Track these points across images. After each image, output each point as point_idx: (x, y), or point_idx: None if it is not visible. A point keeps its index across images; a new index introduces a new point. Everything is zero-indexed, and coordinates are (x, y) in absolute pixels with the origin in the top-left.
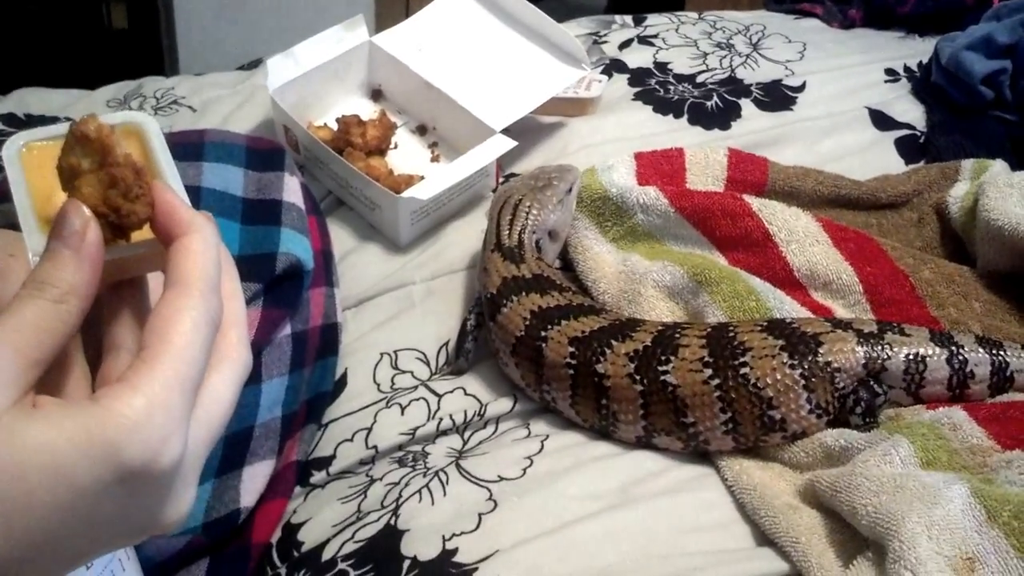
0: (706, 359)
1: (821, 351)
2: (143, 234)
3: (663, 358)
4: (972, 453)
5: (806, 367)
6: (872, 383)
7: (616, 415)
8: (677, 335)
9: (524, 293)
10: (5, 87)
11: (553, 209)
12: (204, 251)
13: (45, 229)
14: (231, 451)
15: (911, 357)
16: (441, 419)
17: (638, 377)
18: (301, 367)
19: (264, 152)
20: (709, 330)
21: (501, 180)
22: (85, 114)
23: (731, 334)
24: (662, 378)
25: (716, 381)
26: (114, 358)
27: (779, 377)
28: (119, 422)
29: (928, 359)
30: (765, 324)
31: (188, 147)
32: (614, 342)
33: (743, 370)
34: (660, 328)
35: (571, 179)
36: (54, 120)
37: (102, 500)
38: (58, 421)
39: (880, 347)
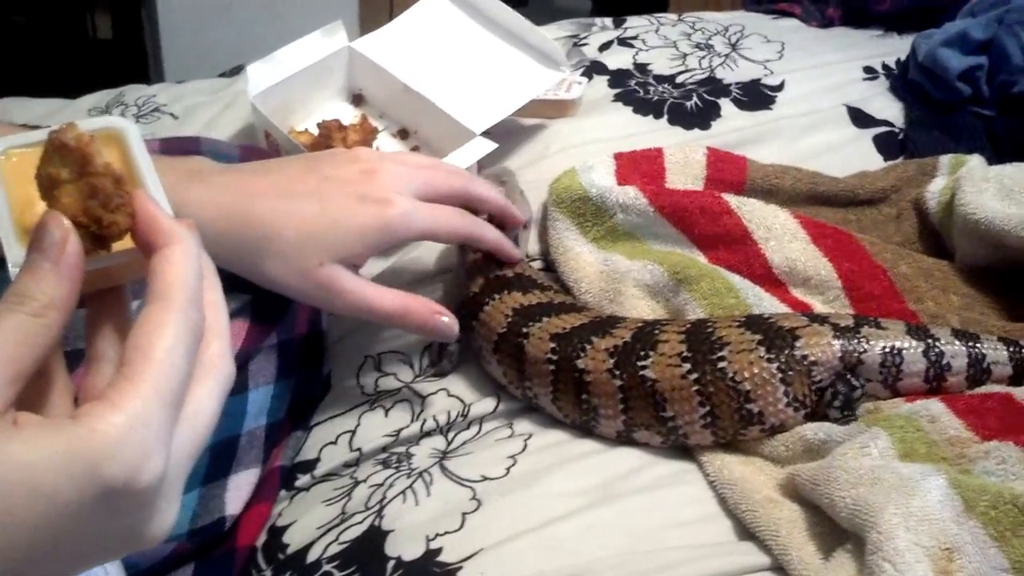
0: (684, 354)
1: (798, 345)
2: (124, 243)
3: (642, 353)
4: (950, 444)
5: (783, 361)
6: (849, 376)
7: (597, 410)
8: (656, 331)
9: (506, 291)
10: None
11: (521, 202)
12: (185, 262)
13: (24, 240)
14: (217, 460)
15: (887, 350)
16: (425, 420)
17: (618, 372)
18: (287, 375)
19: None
20: (688, 326)
21: None
22: (64, 122)
23: (709, 329)
24: (641, 373)
25: (694, 375)
26: (96, 370)
27: (756, 371)
28: (99, 440)
29: (904, 352)
30: (743, 320)
31: (182, 156)
32: (594, 338)
33: (721, 364)
34: (640, 324)
35: (514, 175)
36: (37, 129)
37: (83, 518)
38: (38, 439)
39: (856, 340)
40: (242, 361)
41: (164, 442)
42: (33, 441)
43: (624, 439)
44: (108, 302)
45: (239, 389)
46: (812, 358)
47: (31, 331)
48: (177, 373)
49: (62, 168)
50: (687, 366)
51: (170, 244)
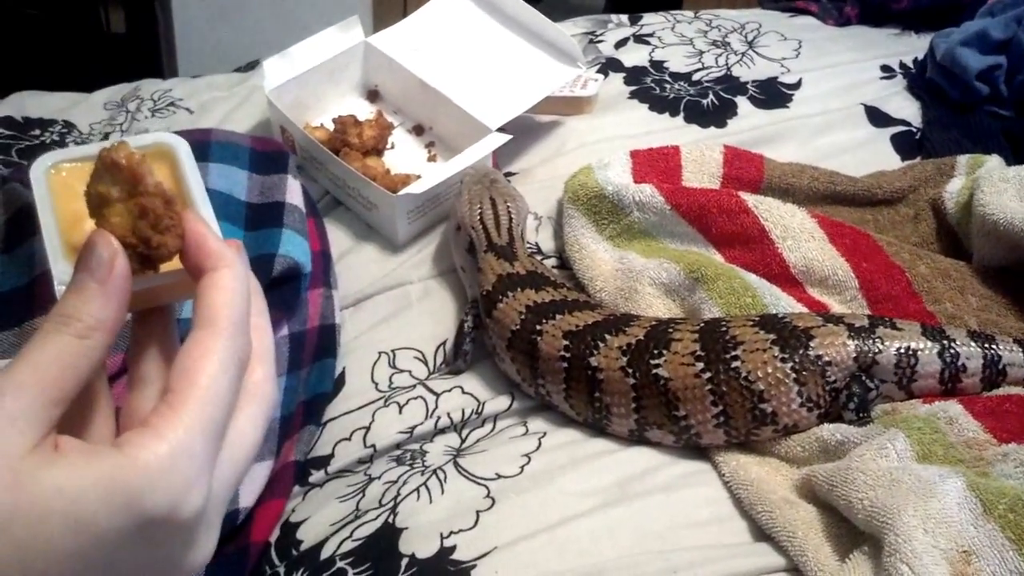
0: (698, 353)
1: (812, 345)
2: (171, 263)
3: (655, 352)
4: (968, 447)
5: (797, 360)
6: (864, 377)
7: (609, 408)
8: (670, 330)
9: (519, 289)
10: (3, 90)
11: (519, 196)
12: (234, 288)
13: (71, 256)
14: None
15: (902, 351)
16: (439, 417)
17: (630, 370)
18: (299, 368)
19: (268, 154)
20: (702, 325)
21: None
22: (116, 141)
23: (723, 328)
24: (654, 371)
25: (708, 374)
26: (140, 392)
27: (770, 370)
28: (142, 470)
29: (919, 353)
30: (757, 319)
31: (194, 146)
32: (608, 336)
33: (734, 363)
34: (654, 323)
35: (501, 175)
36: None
37: (122, 548)
38: (80, 467)
39: (871, 341)
40: None
41: (207, 472)
42: (75, 469)
43: (637, 438)
44: (153, 322)
45: None
46: (826, 358)
47: (76, 353)
48: (222, 402)
49: (112, 187)
50: (700, 365)
51: (219, 268)
